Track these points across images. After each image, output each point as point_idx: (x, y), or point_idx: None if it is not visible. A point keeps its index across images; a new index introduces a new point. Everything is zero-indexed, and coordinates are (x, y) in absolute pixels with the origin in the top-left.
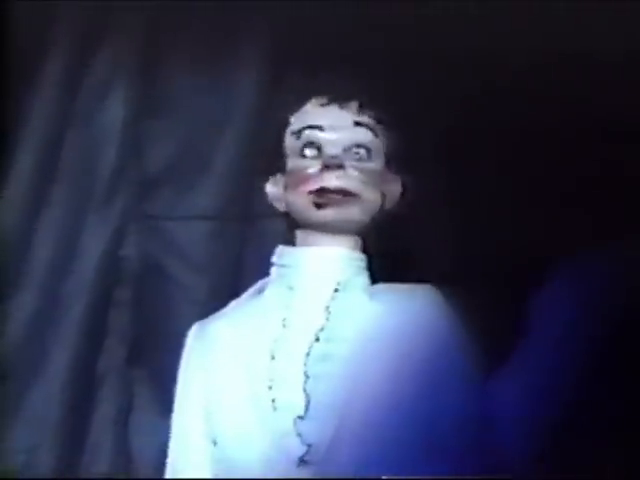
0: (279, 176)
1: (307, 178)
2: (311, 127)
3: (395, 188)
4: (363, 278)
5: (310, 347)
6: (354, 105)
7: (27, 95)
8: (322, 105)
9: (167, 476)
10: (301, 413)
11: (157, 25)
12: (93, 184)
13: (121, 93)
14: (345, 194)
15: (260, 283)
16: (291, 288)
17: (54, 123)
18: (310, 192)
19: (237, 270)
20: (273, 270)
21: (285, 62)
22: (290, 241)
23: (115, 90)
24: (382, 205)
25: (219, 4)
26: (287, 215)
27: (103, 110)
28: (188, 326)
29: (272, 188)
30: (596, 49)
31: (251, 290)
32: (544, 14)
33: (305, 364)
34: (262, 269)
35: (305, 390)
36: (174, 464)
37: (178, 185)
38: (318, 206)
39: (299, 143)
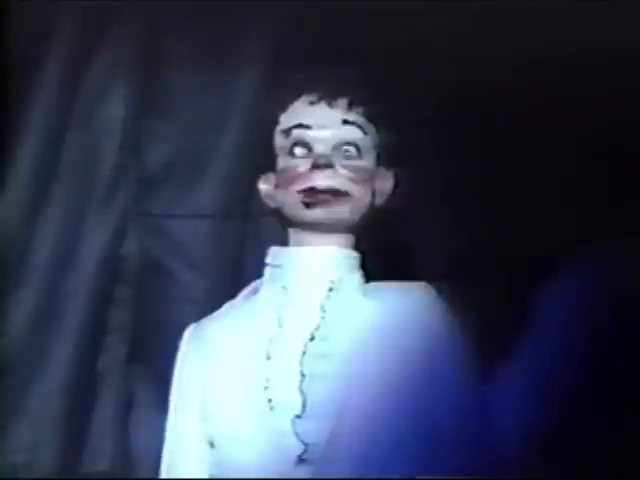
0: (270, 174)
1: (297, 177)
2: (300, 126)
3: (386, 184)
4: (357, 276)
5: (306, 346)
6: (343, 103)
7: (27, 94)
8: (311, 103)
9: (161, 477)
10: (298, 412)
11: (157, 25)
12: (93, 183)
13: (121, 92)
14: (335, 193)
15: (254, 284)
16: (285, 288)
17: (54, 122)
18: (300, 191)
19: (237, 268)
20: (267, 270)
21: (285, 62)
22: (285, 240)
23: (115, 89)
24: (373, 202)
25: (219, 4)
26: (278, 212)
27: (103, 109)
28: (188, 324)
29: (264, 186)
30: (595, 48)
31: (245, 291)
32: (539, 12)
33: (301, 363)
34: (262, 267)
35: (301, 389)
36: (169, 466)
37: (178, 183)
38: (307, 205)
39: (288, 142)
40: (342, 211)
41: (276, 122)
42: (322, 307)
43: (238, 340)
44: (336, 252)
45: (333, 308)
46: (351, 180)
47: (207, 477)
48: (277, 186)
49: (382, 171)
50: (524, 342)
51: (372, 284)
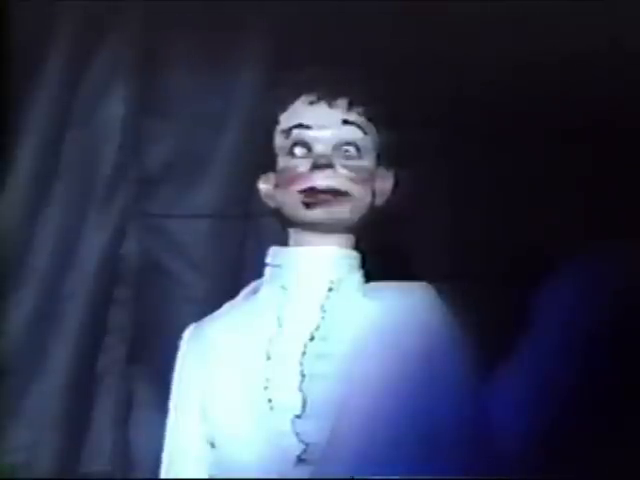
0: (270, 174)
1: (297, 177)
2: (300, 126)
3: (386, 184)
4: (357, 276)
5: (305, 346)
6: (343, 103)
7: (27, 94)
8: (311, 103)
9: (161, 477)
10: (298, 412)
11: (157, 24)
12: (93, 183)
13: (121, 92)
14: (335, 193)
15: (254, 284)
16: (285, 288)
17: (54, 122)
18: (300, 191)
19: (237, 268)
20: (267, 270)
21: (285, 62)
22: (285, 240)
23: (115, 89)
24: (373, 202)
25: (219, 4)
26: (278, 212)
27: (103, 109)
28: (188, 324)
29: (264, 186)
30: (596, 49)
31: (245, 291)
32: (539, 13)
33: (301, 363)
34: (262, 267)
35: (301, 389)
36: (169, 466)
37: (178, 183)
38: (307, 205)
39: (288, 142)
40: (342, 211)
41: (276, 122)
42: (322, 307)
43: (238, 340)
44: (336, 252)
45: (333, 308)
46: (351, 180)
47: (207, 477)
48: (277, 186)
49: (382, 171)
50: (524, 342)
51: (372, 284)
